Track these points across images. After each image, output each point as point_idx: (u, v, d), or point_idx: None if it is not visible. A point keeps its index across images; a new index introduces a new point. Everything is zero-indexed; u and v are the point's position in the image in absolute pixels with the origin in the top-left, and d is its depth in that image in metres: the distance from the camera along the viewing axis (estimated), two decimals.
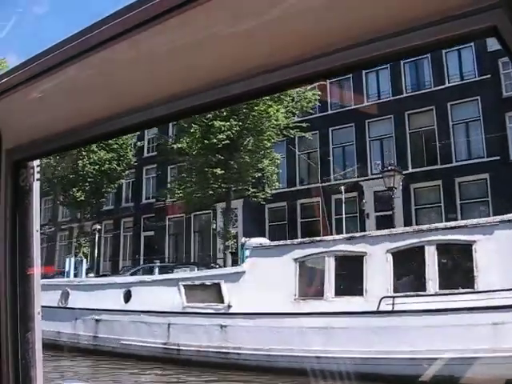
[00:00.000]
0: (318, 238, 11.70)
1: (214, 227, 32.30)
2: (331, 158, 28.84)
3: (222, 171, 20.71)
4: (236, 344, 11.54)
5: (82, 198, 27.00)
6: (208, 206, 29.18)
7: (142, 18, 0.98)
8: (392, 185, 19.96)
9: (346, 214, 28.65)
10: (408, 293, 10.37)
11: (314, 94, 23.85)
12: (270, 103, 21.08)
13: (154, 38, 1.03)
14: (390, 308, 10.15)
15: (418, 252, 10.50)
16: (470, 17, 0.78)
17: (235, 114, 20.37)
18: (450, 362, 9.15)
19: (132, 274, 24.68)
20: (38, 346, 1.54)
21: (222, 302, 12.33)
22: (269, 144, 22.48)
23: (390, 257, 10.69)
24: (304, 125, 23.34)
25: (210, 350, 11.84)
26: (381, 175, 27.94)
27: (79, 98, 1.25)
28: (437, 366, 9.32)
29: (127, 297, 14.27)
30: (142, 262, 34.88)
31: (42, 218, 40.33)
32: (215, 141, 20.27)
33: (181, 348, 12.32)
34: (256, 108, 21.06)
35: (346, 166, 28.88)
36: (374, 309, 10.47)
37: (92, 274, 28.67)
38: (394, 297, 10.19)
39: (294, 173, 29.70)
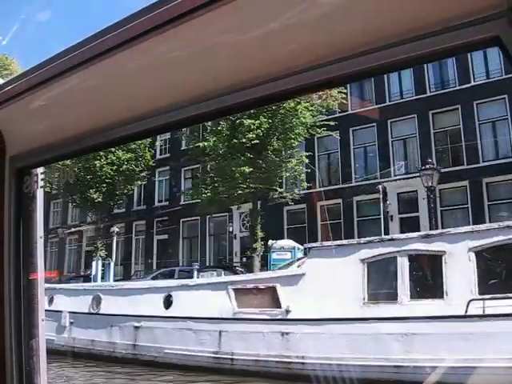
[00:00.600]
0: (387, 237, 10.63)
1: (231, 230, 31.25)
2: (352, 159, 27.85)
3: (251, 169, 19.62)
4: (300, 353, 10.41)
5: (100, 200, 25.74)
6: (225, 209, 28.18)
7: (143, 28, 0.96)
8: (431, 184, 18.98)
9: (368, 216, 27.72)
10: (497, 295, 9.31)
11: (339, 93, 22.87)
12: (298, 100, 20.03)
13: (156, 48, 1.02)
14: (479, 312, 9.09)
15: (505, 250, 9.46)
16: (472, 27, 0.77)
17: (264, 111, 19.32)
18: None
19: (153, 279, 23.51)
20: (42, 352, 1.48)
21: (279, 306, 11.20)
22: (296, 143, 21.43)
23: (473, 256, 9.62)
24: (332, 123, 22.29)
25: (270, 359, 10.70)
26: (405, 176, 27.32)
27: (82, 106, 1.23)
28: None
29: (168, 302, 13.10)
30: (155, 267, 33.70)
31: (51, 222, 39.04)
32: (244, 140, 19.20)
33: (235, 357, 11.16)
34: (284, 105, 20.03)
35: (367, 167, 27.91)
36: (457, 312, 9.40)
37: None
38: (483, 299, 9.12)
39: (313, 174, 28.75)
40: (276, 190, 21.46)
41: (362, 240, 11.33)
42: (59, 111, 1.30)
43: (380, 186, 26.31)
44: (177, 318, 12.25)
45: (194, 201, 34.00)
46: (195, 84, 1.07)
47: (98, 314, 14.16)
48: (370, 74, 0.94)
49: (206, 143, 20.13)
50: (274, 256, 21.83)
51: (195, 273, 22.53)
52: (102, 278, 18.19)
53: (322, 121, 22.25)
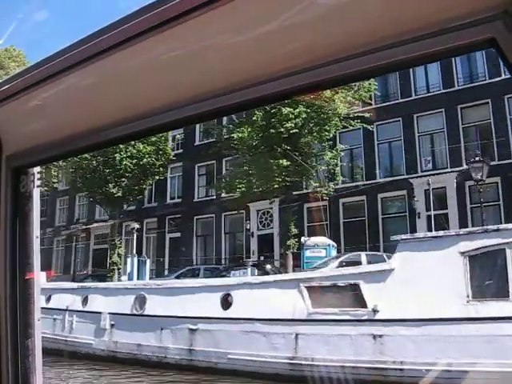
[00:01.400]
0: (493, 227, 9.34)
1: (248, 227, 29.82)
2: (376, 154, 26.65)
3: (288, 162, 18.27)
4: (397, 358, 9.10)
5: (120, 195, 24.09)
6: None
7: (141, 28, 0.95)
8: (480, 177, 17.82)
9: (394, 213, 26.54)
10: None
11: (370, 84, 21.65)
12: (336, 89, 18.76)
13: (154, 48, 1.00)
14: None
15: None
16: (468, 28, 0.77)
17: (302, 99, 18.00)
18: None
19: (177, 278, 22.05)
20: (38, 352, 1.43)
21: (364, 306, 9.86)
22: (330, 135, 20.14)
23: None
24: (367, 115, 21.04)
25: (360, 365, 9.36)
26: (433, 172, 26.22)
27: (79, 106, 1.22)
28: None
29: (226, 302, 11.70)
30: (166, 265, 32.14)
31: (57, 219, 37.24)
32: (282, 130, 17.86)
33: (316, 363, 9.80)
34: (321, 95, 18.72)
35: (392, 163, 26.75)
36: None
37: (124, 277, 25.87)
38: None
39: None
40: (311, 184, 20.04)
41: (462, 231, 10.07)
42: (56, 111, 1.27)
43: (406, 182, 25.29)
44: (241, 319, 10.85)
45: (208, 198, 32.86)
46: (193, 84, 1.05)
47: (144, 316, 12.69)
48: (368, 74, 0.93)
49: (239, 134, 18.74)
50: (308, 253, 20.52)
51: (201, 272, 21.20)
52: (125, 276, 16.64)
53: (356, 112, 20.98)
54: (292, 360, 10.09)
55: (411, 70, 25.97)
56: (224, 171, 31.73)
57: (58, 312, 14.46)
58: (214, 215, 30.89)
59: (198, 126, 32.40)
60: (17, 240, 1.41)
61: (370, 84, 21.54)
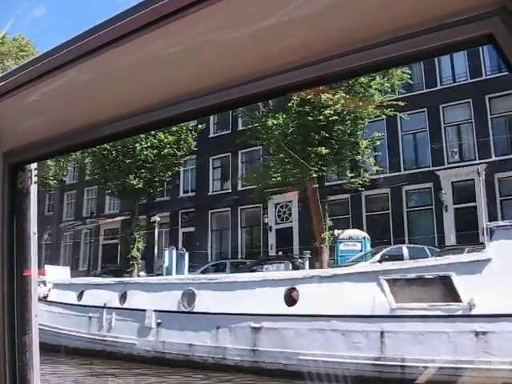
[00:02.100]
0: None
1: (266, 221, 28.68)
2: (400, 145, 25.65)
3: (327, 151, 17.18)
4: (505, 357, 8.07)
5: (140, 186, 22.80)
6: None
7: (140, 23, 0.94)
8: None
9: (419, 206, 25.58)
10: None
11: (403, 72, 20.65)
12: (373, 75, 17.72)
13: (152, 43, 0.99)
14: None
15: None
16: (466, 24, 0.76)
17: (341, 84, 16.94)
18: None
19: (202, 273, 20.90)
20: (36, 348, 1.41)
21: (458, 300, 8.81)
22: (365, 123, 19.09)
23: None
24: (402, 103, 20.00)
25: (461, 365, 8.32)
26: (461, 164, 25.28)
27: (77, 102, 1.20)
28: None
29: (290, 297, 10.59)
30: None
31: (65, 214, 35.82)
32: (320, 116, 16.76)
33: (407, 364, 8.75)
34: (358, 81, 17.69)
35: (417, 154, 25.78)
36: None
37: (143, 273, 24.65)
38: None
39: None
40: (346, 175, 18.95)
41: None
42: (53, 107, 1.24)
43: (432, 174, 24.35)
44: (315, 316, 9.74)
45: (223, 191, 31.64)
46: (190, 80, 1.04)
47: (195, 313, 11.54)
48: (365, 70, 0.92)
49: (274, 121, 17.59)
50: (342, 247, 19.50)
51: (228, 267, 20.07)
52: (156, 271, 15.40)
53: (390, 100, 19.93)
54: (378, 361, 9.01)
55: (436, 59, 25.14)
56: (240, 163, 30.78)
57: (95, 310, 13.24)
58: (229, 209, 29.75)
59: (211, 118, 31.29)
60: (14, 237, 1.40)
61: (402, 72, 20.56)
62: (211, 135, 30.85)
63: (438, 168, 24.51)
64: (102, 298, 13.49)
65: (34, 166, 1.42)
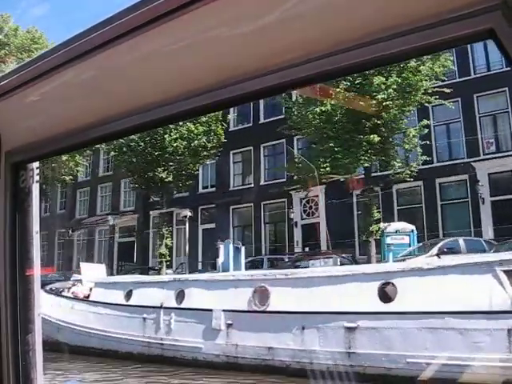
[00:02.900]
0: None
1: (292, 217, 27.41)
2: (433, 137, 24.50)
3: (379, 138, 15.96)
4: None
5: (170, 179, 21.42)
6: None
7: (138, 22, 0.93)
8: None
9: (454, 199, 24.46)
10: None
11: (446, 60, 19.47)
12: (422, 59, 16.58)
13: (151, 42, 0.98)
14: None
15: None
16: (467, 19, 0.75)
17: (393, 67, 15.75)
18: None
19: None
20: (39, 347, 1.41)
21: None
22: (412, 110, 17.91)
23: None
24: (447, 90, 18.83)
25: None
26: (497, 155, 24.24)
27: (77, 101, 1.20)
28: None
29: (386, 292, 9.36)
30: (200, 258, 29.57)
31: (78, 211, 34.28)
32: (373, 102, 15.55)
33: None
34: (408, 65, 16.51)
35: (450, 145, 24.67)
36: None
37: (170, 271, 23.31)
38: None
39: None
40: (393, 165, 17.73)
41: None
42: (55, 105, 1.24)
43: (467, 166, 23.25)
44: (423, 313, 8.52)
45: (245, 186, 30.32)
46: (190, 78, 1.03)
47: (271, 312, 10.26)
48: (366, 67, 0.91)
49: (322, 108, 16.33)
50: (389, 240, 18.30)
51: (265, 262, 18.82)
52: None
53: (435, 87, 18.75)
54: (506, 362, 7.82)
55: (469, 46, 24.06)
56: (262, 157, 29.48)
57: (149, 310, 11.91)
58: (252, 204, 28.46)
59: (231, 110, 29.92)
60: (16, 236, 1.39)
61: (445, 60, 19.38)
62: (232, 128, 29.51)
63: (473, 160, 23.45)
64: (154, 297, 12.17)
65: (35, 164, 1.41)
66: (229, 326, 10.56)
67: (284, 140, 27.93)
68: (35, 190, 1.41)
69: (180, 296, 11.81)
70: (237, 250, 14.21)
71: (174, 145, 20.40)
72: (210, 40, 0.94)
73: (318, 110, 16.44)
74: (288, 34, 0.88)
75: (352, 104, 16.08)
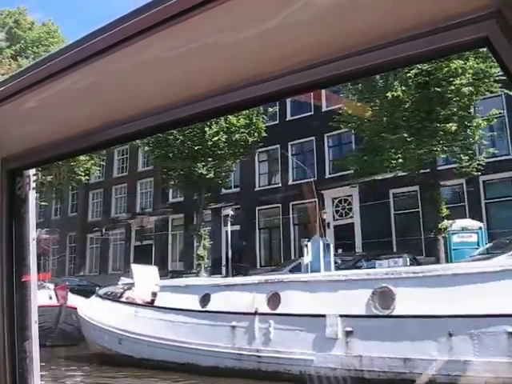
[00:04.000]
0: None
1: (324, 217, 25.78)
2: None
3: (455, 127, 14.49)
4: None
5: (211, 175, 19.63)
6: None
7: (136, 29, 0.91)
8: None
9: (500, 197, 23.09)
10: None
11: None
12: None
13: (152, 48, 0.95)
14: None
15: None
16: (462, 27, 0.75)
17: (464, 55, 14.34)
18: None
19: (291, 272, 17.92)
20: (36, 354, 1.37)
21: None
22: (477, 99, 16.53)
23: None
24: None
25: None
26: None
27: (75, 107, 1.16)
28: None
29: None
30: (224, 261, 27.70)
31: (91, 214, 32.06)
32: (452, 87, 14.10)
33: None
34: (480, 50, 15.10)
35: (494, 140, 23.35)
36: None
37: (205, 274, 21.49)
38: None
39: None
40: (460, 159, 16.23)
41: None
42: (52, 112, 1.20)
43: None
44: None
45: (272, 186, 28.57)
46: (190, 84, 1.01)
47: (401, 317, 8.59)
48: (363, 73, 0.90)
49: (394, 93, 14.78)
50: (455, 239, 16.77)
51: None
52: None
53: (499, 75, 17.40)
54: None
55: None
56: (290, 157, 27.83)
57: (239, 317, 10.12)
58: (280, 205, 26.78)
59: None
60: (13, 242, 1.36)
61: None
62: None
63: None
64: (240, 301, 10.38)
65: (32, 171, 1.39)
66: (348, 333, 8.85)
67: (313, 138, 26.47)
68: (32, 196, 1.38)
69: (274, 300, 10.06)
70: (327, 248, 12.51)
71: (215, 139, 18.65)
72: (211, 45, 0.91)
73: (389, 95, 14.91)
74: (293, 38, 0.87)
75: (426, 89, 14.57)
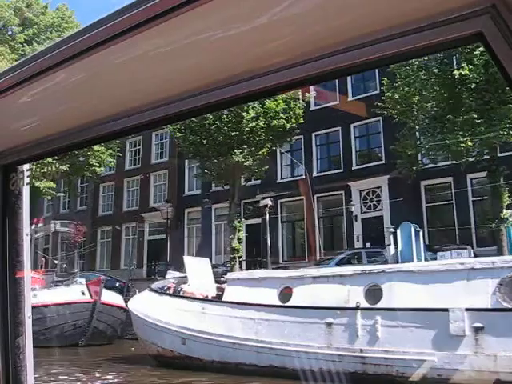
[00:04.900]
0: None
1: (352, 210, 24.60)
2: None
3: None
4: None
5: (250, 162, 18.22)
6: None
7: (130, 23, 0.89)
8: None
9: None
10: None
11: None
12: None
13: (143, 43, 0.94)
14: None
15: None
16: (456, 23, 0.75)
17: None
18: None
19: (337, 265, 16.70)
20: (29, 350, 1.36)
21: None
22: None
23: None
24: None
25: None
26: None
27: (69, 102, 1.15)
28: None
29: None
30: (244, 256, 26.30)
31: (101, 207, 30.39)
32: None
33: None
34: None
35: None
36: None
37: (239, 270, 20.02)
38: None
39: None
40: None
41: None
42: (45, 108, 1.18)
43: None
44: None
45: (294, 178, 27.29)
46: (183, 80, 1.00)
47: None
48: (356, 69, 0.89)
49: (461, 71, 13.60)
50: None
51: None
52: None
53: None
54: None
55: None
56: (314, 147, 26.53)
57: (335, 313, 8.83)
58: (303, 198, 25.51)
59: None
60: (6, 238, 1.35)
61: None
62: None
63: None
64: (331, 295, 9.10)
65: (26, 166, 1.37)
66: (477, 330, 7.62)
67: (339, 128, 25.28)
68: (25, 192, 1.38)
69: (374, 293, 8.80)
70: (416, 236, 11.26)
71: (252, 124, 17.28)
72: (200, 42, 0.91)
73: (456, 73, 13.72)
74: (283, 35, 0.86)
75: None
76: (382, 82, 18.33)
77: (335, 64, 0.85)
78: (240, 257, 19.69)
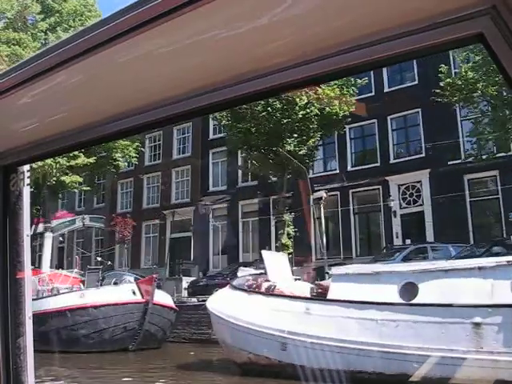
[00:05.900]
0: None
1: (391, 205, 23.28)
2: None
3: None
4: None
5: (305, 151, 16.82)
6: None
7: (131, 24, 0.89)
8: None
9: None
10: None
11: None
12: None
13: (144, 44, 0.93)
14: None
15: None
16: (457, 24, 0.75)
17: None
18: None
19: (404, 260, 15.43)
20: (30, 351, 1.35)
21: None
22: None
23: None
24: None
25: None
26: None
27: (70, 103, 1.14)
28: None
29: None
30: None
31: (119, 205, 28.68)
32: None
33: None
34: None
35: None
36: None
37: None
38: None
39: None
40: None
41: None
42: (46, 108, 1.17)
43: None
44: None
45: (329, 172, 25.82)
46: (188, 79, 0.99)
47: None
48: (356, 70, 0.89)
49: None
50: None
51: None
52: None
53: None
54: None
55: None
56: (349, 140, 25.18)
57: (482, 311, 7.47)
58: (338, 193, 24.15)
59: None
60: (7, 239, 1.35)
61: None
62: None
63: None
64: (467, 291, 7.75)
65: (26, 167, 1.37)
66: None
67: (375, 120, 24.01)
68: (26, 192, 1.37)
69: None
70: None
71: (305, 112, 15.89)
72: (201, 43, 0.90)
73: None
74: (285, 35, 0.86)
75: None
76: (440, 69, 17.15)
77: (337, 64, 0.84)
78: (290, 253, 18.17)
